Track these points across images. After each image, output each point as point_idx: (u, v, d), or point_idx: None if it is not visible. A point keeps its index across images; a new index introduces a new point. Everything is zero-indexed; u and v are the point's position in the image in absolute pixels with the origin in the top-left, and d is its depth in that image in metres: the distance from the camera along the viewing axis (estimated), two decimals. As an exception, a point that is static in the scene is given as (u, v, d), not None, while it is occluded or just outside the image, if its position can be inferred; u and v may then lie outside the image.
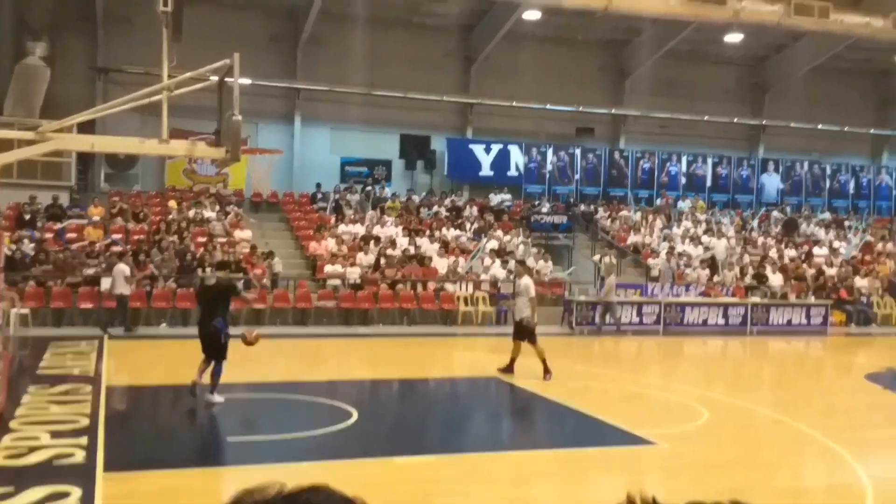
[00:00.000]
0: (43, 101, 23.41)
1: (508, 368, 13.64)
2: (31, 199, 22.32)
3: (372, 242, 23.57)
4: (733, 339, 21.75)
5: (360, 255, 22.74)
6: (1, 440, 8.42)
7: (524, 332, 13.59)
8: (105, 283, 19.27)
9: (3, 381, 9.58)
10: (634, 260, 26.83)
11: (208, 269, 20.62)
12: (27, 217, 21.70)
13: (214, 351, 10.80)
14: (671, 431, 9.99)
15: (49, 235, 21.17)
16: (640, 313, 21.88)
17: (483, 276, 22.98)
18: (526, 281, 14.07)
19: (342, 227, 24.63)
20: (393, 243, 23.80)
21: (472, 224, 26.43)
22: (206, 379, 10.75)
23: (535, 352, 13.45)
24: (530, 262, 24.11)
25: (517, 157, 30.29)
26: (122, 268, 18.60)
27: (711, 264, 25.74)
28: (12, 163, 16.32)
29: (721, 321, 22.58)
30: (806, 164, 33.79)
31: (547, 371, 13.35)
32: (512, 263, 23.51)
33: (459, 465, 8.54)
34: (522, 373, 14.15)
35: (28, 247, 20.05)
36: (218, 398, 10.76)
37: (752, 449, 9.70)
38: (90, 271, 19.77)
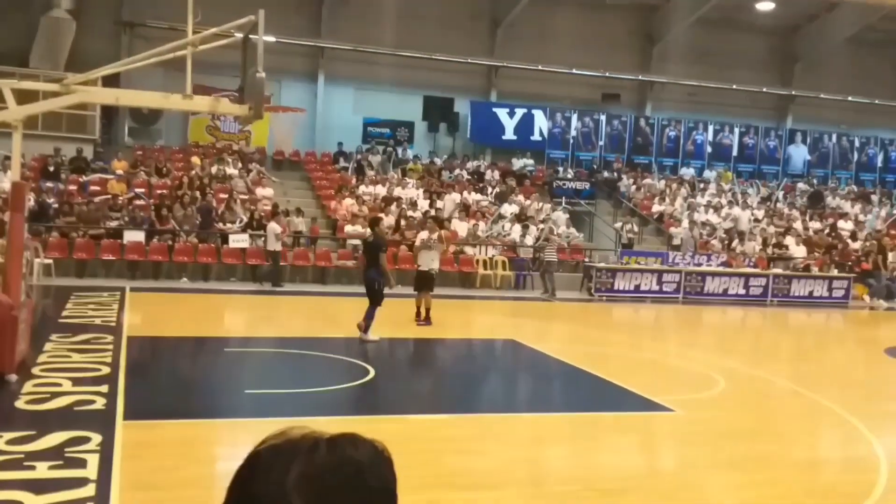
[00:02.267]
0: (68, 55, 23.48)
1: (426, 321, 14.56)
2: (56, 151, 22.46)
3: (393, 204, 23.56)
4: (753, 309, 21.66)
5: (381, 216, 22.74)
6: (23, 386, 8.53)
7: (429, 282, 14.69)
8: (128, 236, 19.45)
9: (26, 328, 9.70)
10: (657, 228, 26.69)
11: (229, 225, 20.74)
12: (51, 169, 21.85)
13: (370, 296, 12.44)
14: (687, 398, 9.98)
15: (73, 188, 21.32)
16: (660, 281, 21.80)
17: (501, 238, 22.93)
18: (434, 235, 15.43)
19: (363, 188, 24.62)
20: (414, 205, 23.77)
21: (493, 188, 26.34)
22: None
23: (426, 301, 14.59)
24: (562, 229, 24.04)
25: (541, 121, 30.05)
26: (274, 226, 19.45)
27: (735, 234, 25.57)
28: (37, 115, 16.39)
29: (742, 291, 22.47)
30: (834, 136, 33.32)
31: (426, 318, 14.50)
32: (532, 228, 23.50)
33: (474, 424, 8.59)
34: (538, 337, 14.18)
35: (52, 199, 20.22)
36: (371, 337, 12.25)
37: (769, 419, 9.67)
38: (113, 224, 19.94)
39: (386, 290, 12.67)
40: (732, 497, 6.84)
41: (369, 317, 12.36)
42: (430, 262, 14.78)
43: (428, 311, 14.54)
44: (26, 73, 21.25)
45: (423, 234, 15.17)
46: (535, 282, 21.92)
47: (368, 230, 13.85)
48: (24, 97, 10.29)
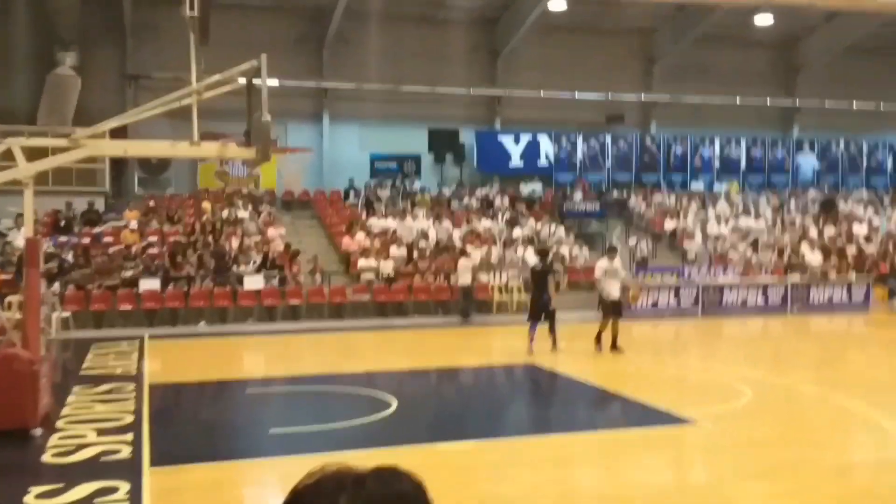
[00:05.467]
0: (75, 110, 23.76)
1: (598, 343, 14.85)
2: (68, 205, 22.65)
3: (404, 236, 23.62)
4: (774, 318, 21.50)
5: (393, 249, 22.80)
6: (49, 440, 8.55)
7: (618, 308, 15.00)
8: (143, 285, 19.54)
9: (48, 382, 9.73)
10: (670, 244, 26.63)
11: (243, 267, 20.83)
12: (63, 223, 22.01)
13: (549, 316, 14.67)
14: (713, 411, 9.90)
15: (87, 240, 21.47)
16: (677, 296, 21.69)
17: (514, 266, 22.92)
18: (619, 264, 15.65)
19: (373, 221, 24.69)
20: (425, 236, 23.82)
21: (503, 215, 26.37)
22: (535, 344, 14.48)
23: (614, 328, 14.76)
24: (565, 249, 24.07)
25: (547, 146, 30.14)
26: (465, 262, 20.85)
27: (753, 245, 25.51)
28: (48, 170, 16.55)
29: (760, 301, 22.33)
30: (842, 143, 33.23)
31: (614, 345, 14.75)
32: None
33: (500, 449, 8.53)
34: (557, 359, 14.12)
35: (68, 253, 20.36)
36: (558, 348, 14.49)
37: (797, 426, 9.58)
38: (128, 274, 20.04)
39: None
40: (765, 507, 6.75)
41: (552, 330, 14.61)
42: (613, 289, 14.89)
43: (615, 337, 14.64)
44: (35, 130, 21.46)
45: (603, 263, 15.26)
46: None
47: (538, 258, 16.44)
48: (33, 154, 10.43)
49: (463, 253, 21.68)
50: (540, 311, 14.80)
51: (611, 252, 15.62)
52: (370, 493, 1.14)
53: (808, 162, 32.87)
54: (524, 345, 14.64)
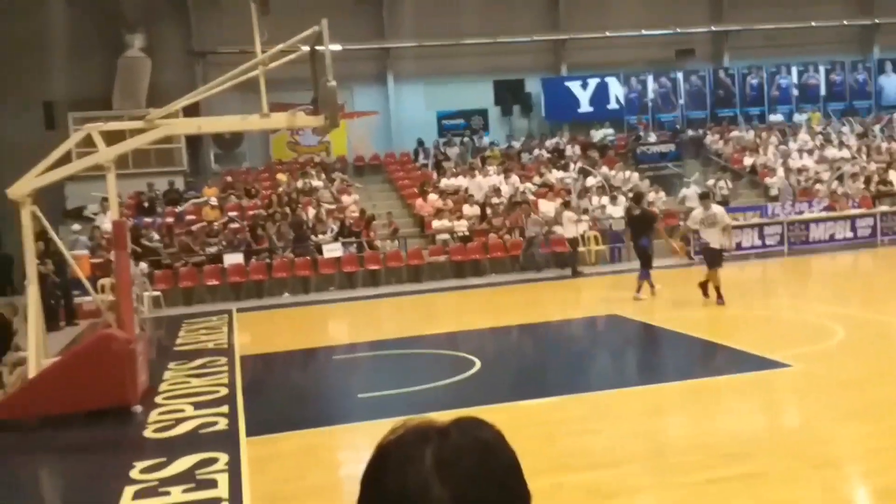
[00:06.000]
0: (147, 91, 24.26)
1: (719, 297, 13.68)
2: (149, 186, 23.28)
3: (475, 194, 23.51)
4: (864, 251, 20.77)
5: (466, 207, 22.75)
6: (149, 415, 8.88)
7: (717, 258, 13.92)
8: (227, 259, 20.00)
9: (145, 360, 10.09)
10: (751, 181, 25.87)
11: (321, 236, 21.12)
12: (146, 205, 22.65)
13: (643, 260, 14.78)
14: (805, 352, 9.66)
15: (170, 220, 22.07)
16: (761, 235, 21.11)
17: (588, 216, 22.60)
18: (716, 209, 14.53)
19: (444, 182, 24.63)
20: (497, 192, 23.68)
21: (575, 163, 25.98)
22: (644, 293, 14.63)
23: (713, 278, 13.79)
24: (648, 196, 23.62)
25: (616, 89, 29.46)
26: (570, 214, 20.70)
27: (838, 177, 24.61)
28: (127, 153, 17.01)
29: (849, 234, 21.56)
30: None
31: (719, 296, 13.66)
32: (621, 199, 23.08)
33: (588, 403, 8.51)
34: (641, 308, 13.95)
35: (154, 236, 20.94)
36: (642, 296, 14.52)
37: (891, 363, 9.29)
38: (212, 249, 20.54)
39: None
40: (861, 447, 6.60)
41: (643, 276, 14.60)
42: (713, 237, 13.93)
43: (717, 288, 13.67)
44: (111, 115, 22.07)
45: (698, 213, 14.44)
46: (630, 254, 21.50)
47: (631, 204, 16.68)
48: (111, 138, 10.68)
49: (566, 205, 21.14)
50: (643, 257, 14.84)
51: (704, 199, 14.85)
52: (455, 443, 1.17)
53: (891, 83, 31.36)
54: (611, 294, 14.56)
